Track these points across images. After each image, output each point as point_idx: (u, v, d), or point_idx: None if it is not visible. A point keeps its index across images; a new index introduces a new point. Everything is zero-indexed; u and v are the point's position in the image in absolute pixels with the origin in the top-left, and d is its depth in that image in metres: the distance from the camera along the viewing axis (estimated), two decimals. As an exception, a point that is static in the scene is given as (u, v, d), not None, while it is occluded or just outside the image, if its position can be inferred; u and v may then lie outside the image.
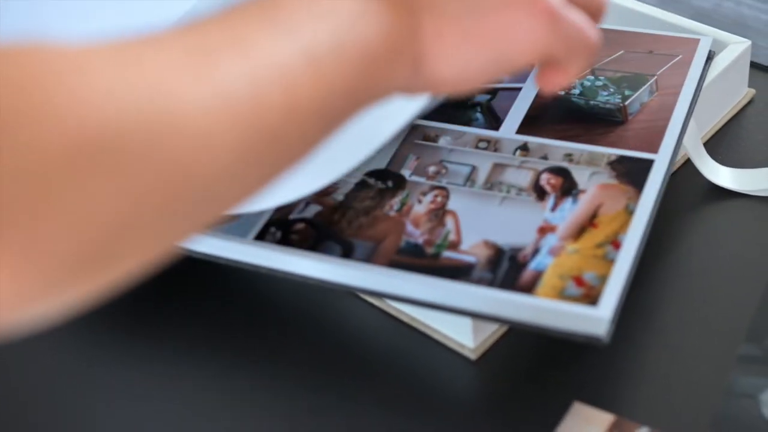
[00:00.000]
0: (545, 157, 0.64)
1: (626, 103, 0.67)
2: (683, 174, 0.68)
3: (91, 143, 0.34)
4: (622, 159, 0.63)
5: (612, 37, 0.73)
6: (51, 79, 0.35)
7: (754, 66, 0.76)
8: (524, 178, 0.63)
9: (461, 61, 0.47)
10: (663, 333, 0.60)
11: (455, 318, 0.58)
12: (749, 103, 0.75)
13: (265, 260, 0.60)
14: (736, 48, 0.72)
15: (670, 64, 0.69)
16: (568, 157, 0.63)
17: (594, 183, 0.61)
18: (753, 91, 0.75)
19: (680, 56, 0.69)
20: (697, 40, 0.71)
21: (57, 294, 0.35)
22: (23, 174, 0.33)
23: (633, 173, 0.62)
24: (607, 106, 0.67)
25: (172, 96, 0.37)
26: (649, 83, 0.68)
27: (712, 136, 0.72)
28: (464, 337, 0.59)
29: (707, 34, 0.73)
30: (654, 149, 0.63)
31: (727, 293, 0.62)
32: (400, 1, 0.46)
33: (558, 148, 0.64)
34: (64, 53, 0.36)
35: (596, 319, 0.54)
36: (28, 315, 0.35)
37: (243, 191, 0.41)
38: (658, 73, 0.68)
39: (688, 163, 0.68)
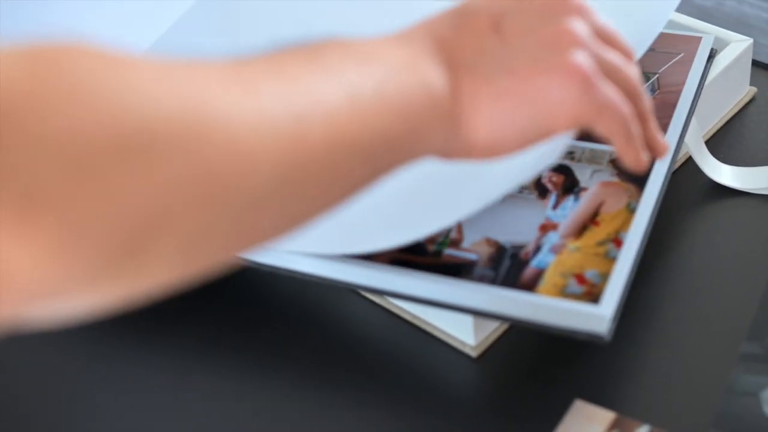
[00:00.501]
0: None
1: None
2: (685, 172, 0.68)
3: (128, 139, 0.35)
4: None
5: None
6: (97, 77, 0.35)
7: (756, 64, 0.76)
8: None
9: (496, 123, 0.48)
10: (664, 331, 0.60)
11: (457, 316, 0.58)
12: (751, 101, 0.75)
13: (267, 258, 0.60)
14: (737, 46, 0.72)
15: (671, 62, 0.69)
16: (570, 154, 0.63)
17: (596, 181, 0.61)
18: (755, 89, 0.75)
19: (682, 54, 0.69)
20: (699, 39, 0.71)
21: (80, 289, 0.35)
22: (62, 157, 0.33)
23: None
24: None
25: (213, 110, 0.38)
26: (650, 81, 0.68)
27: (714, 134, 0.72)
28: (466, 334, 0.59)
29: (709, 32, 0.73)
30: None
31: (729, 291, 0.62)
32: (445, 58, 0.47)
33: None
34: (110, 56, 0.37)
35: (598, 316, 0.54)
36: (43, 309, 0.35)
37: (278, 223, 0.41)
38: (659, 71, 0.68)
39: (690, 161, 0.68)
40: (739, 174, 0.68)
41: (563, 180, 0.62)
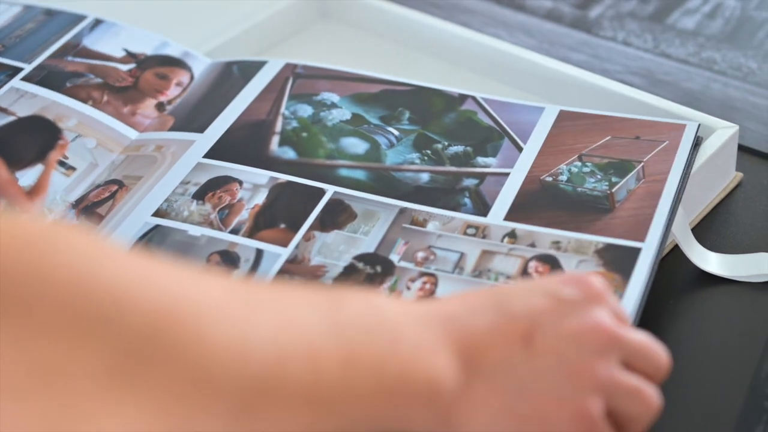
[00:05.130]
0: (533, 245, 0.64)
1: (613, 190, 0.67)
2: (672, 260, 0.68)
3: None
4: (609, 247, 0.63)
5: (599, 123, 0.73)
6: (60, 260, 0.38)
7: (742, 149, 0.77)
8: (512, 266, 0.63)
9: (486, 426, 0.48)
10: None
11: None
12: (737, 186, 0.75)
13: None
14: (723, 133, 0.73)
15: (656, 150, 0.70)
16: (556, 244, 0.64)
17: (581, 271, 0.62)
18: (741, 174, 0.76)
19: (667, 142, 0.70)
20: (684, 126, 0.71)
21: None
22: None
23: (620, 261, 0.62)
24: (594, 193, 0.67)
25: (195, 317, 0.40)
26: (635, 170, 0.68)
27: (701, 222, 0.73)
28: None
29: (695, 119, 0.73)
30: (641, 237, 0.63)
31: (716, 382, 0.62)
32: (464, 356, 0.48)
33: (545, 235, 0.65)
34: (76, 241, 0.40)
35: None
36: None
37: None
38: (644, 159, 0.69)
39: (677, 248, 0.68)
40: (726, 262, 0.68)
41: (549, 270, 0.62)
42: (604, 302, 0.51)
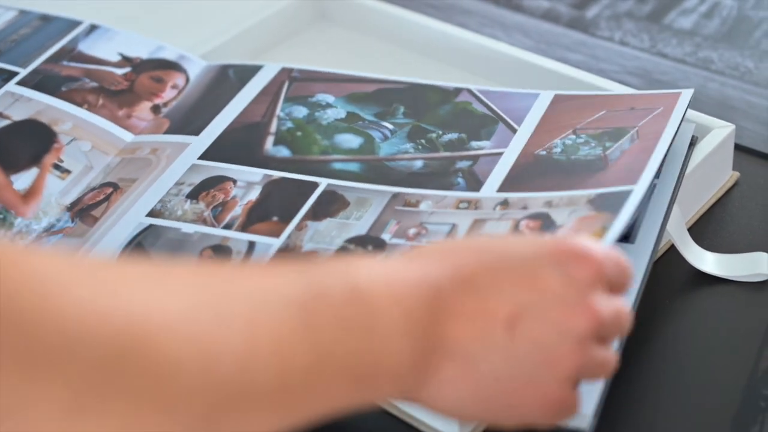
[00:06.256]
0: (525, 207, 0.63)
1: (607, 152, 0.66)
2: (668, 260, 0.68)
3: (46, 342, 0.37)
4: (601, 195, 0.62)
5: (595, 101, 0.73)
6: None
7: (739, 148, 0.77)
8: (503, 228, 0.62)
9: (459, 410, 0.49)
10: (647, 423, 0.60)
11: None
12: (734, 186, 0.75)
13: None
14: (720, 132, 0.73)
15: (651, 116, 0.69)
16: (548, 203, 0.63)
17: (573, 218, 0.61)
18: (737, 174, 0.76)
19: (661, 108, 0.69)
20: (678, 94, 0.70)
21: None
22: None
23: (611, 202, 0.61)
24: (588, 158, 0.67)
25: (156, 332, 0.40)
26: (630, 133, 0.67)
27: (697, 221, 0.72)
28: (450, 427, 0.59)
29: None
30: (633, 181, 0.62)
31: (712, 381, 0.61)
32: (442, 338, 0.47)
33: (538, 198, 0.64)
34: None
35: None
36: None
37: None
38: (639, 124, 0.68)
39: (673, 248, 0.68)
40: (722, 261, 0.68)
41: (540, 224, 0.61)
42: (598, 281, 0.50)
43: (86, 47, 0.84)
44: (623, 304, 0.51)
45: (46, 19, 0.87)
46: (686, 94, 0.70)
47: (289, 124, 0.76)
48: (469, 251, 0.50)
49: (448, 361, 0.47)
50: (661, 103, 0.70)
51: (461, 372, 0.48)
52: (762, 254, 0.68)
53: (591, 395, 0.54)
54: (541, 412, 0.48)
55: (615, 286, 0.51)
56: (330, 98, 0.78)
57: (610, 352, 0.51)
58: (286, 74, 0.81)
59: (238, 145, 0.74)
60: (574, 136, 0.69)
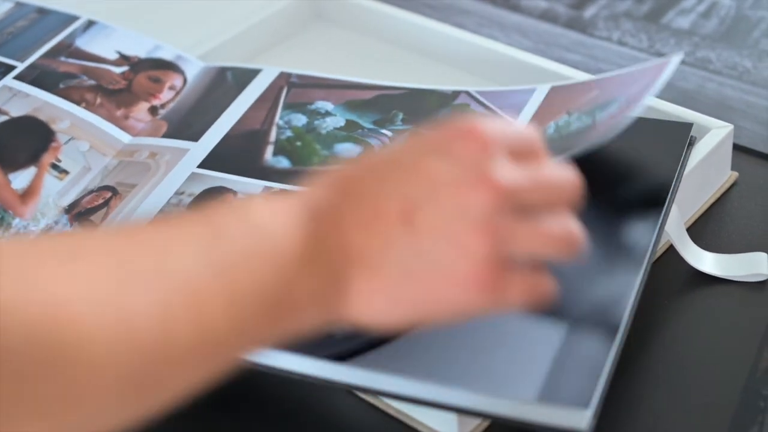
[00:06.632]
0: None
1: (597, 118, 0.67)
2: (666, 260, 0.68)
3: None
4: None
5: (590, 85, 0.73)
6: None
7: (737, 148, 0.77)
8: None
9: (385, 317, 0.48)
10: (646, 423, 0.60)
11: (440, 411, 0.58)
12: (732, 185, 0.75)
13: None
14: (718, 133, 0.73)
15: (639, 83, 0.68)
16: None
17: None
18: (736, 174, 0.76)
19: (651, 76, 0.68)
20: (666, 62, 0.68)
21: None
22: None
23: None
24: (579, 129, 0.67)
25: (69, 316, 0.40)
26: (618, 101, 0.67)
27: (696, 221, 0.72)
28: (450, 429, 0.59)
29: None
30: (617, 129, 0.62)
31: (710, 382, 0.61)
32: (347, 251, 0.46)
33: None
34: None
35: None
36: None
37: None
38: (627, 92, 0.68)
39: (671, 249, 0.68)
40: (721, 261, 0.68)
41: None
42: (491, 154, 0.47)
43: (83, 43, 0.84)
44: (550, 169, 0.49)
45: (42, 12, 0.87)
46: (675, 60, 0.68)
47: (289, 133, 0.75)
48: (356, 165, 0.49)
49: (356, 270, 0.46)
50: (650, 74, 0.69)
51: (372, 278, 0.46)
52: (761, 254, 0.68)
53: (591, 395, 0.54)
54: (464, 294, 0.46)
55: (526, 154, 0.48)
56: (329, 106, 0.77)
57: (550, 222, 0.48)
58: (284, 79, 0.80)
59: (237, 154, 0.74)
60: (566, 116, 0.69)
